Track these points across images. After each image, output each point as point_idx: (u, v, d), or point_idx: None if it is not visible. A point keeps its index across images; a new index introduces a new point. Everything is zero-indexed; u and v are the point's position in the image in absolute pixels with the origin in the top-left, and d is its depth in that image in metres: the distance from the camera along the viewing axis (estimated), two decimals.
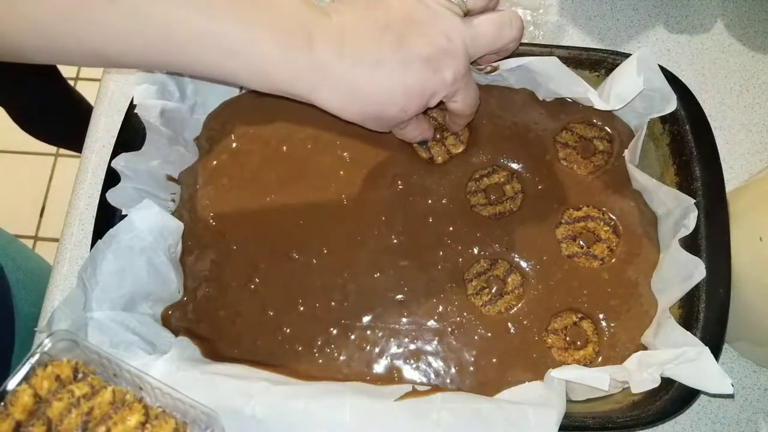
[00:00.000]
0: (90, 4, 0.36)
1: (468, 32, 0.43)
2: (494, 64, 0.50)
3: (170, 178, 0.53)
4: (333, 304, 0.50)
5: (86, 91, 1.68)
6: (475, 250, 0.51)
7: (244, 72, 0.39)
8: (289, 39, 0.38)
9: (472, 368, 0.48)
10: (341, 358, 0.49)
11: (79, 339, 0.41)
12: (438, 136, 0.54)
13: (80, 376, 0.40)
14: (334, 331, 0.49)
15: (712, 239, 0.47)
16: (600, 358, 0.48)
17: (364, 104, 0.41)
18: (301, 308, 0.50)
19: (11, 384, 0.38)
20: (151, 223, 0.47)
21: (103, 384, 0.39)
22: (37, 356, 0.39)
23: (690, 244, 0.47)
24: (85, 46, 0.37)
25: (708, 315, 0.46)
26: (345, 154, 0.54)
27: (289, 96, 0.41)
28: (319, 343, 0.49)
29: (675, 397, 0.44)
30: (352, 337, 0.49)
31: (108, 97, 0.63)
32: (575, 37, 0.63)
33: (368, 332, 0.49)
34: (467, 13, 0.44)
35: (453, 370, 0.48)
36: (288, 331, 0.50)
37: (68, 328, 0.45)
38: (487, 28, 0.44)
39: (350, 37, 0.40)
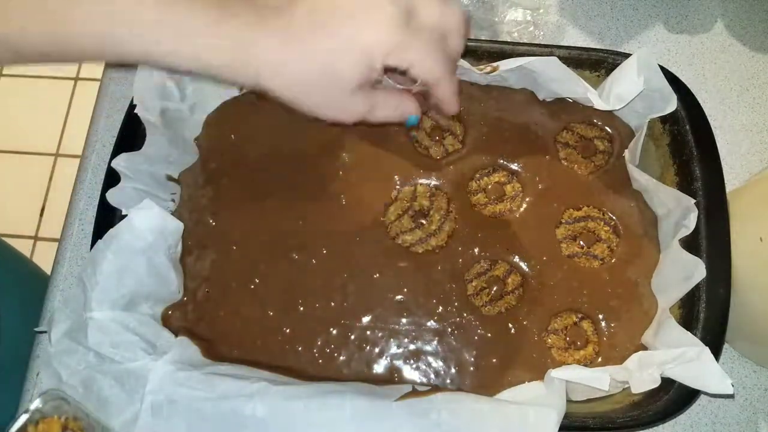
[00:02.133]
0: None
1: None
2: (494, 64, 0.50)
3: (170, 178, 0.53)
4: (333, 304, 0.50)
5: (86, 91, 1.69)
6: (476, 251, 0.51)
7: (161, 52, 0.38)
8: (205, 11, 0.37)
9: (472, 368, 0.48)
10: (341, 358, 0.49)
11: (69, 397, 0.43)
12: (437, 137, 0.54)
13: None
14: (334, 331, 0.49)
15: (712, 239, 0.47)
16: (600, 358, 0.48)
17: (290, 73, 0.39)
18: (301, 308, 0.50)
19: None
20: (151, 223, 0.47)
21: None
22: (28, 414, 0.41)
23: (690, 244, 0.47)
24: None
25: (708, 315, 0.46)
26: (345, 154, 0.54)
27: (214, 75, 0.39)
28: (319, 343, 0.49)
29: (675, 397, 0.44)
30: (352, 337, 0.49)
31: (108, 97, 0.63)
32: (575, 37, 0.63)
33: (368, 332, 0.49)
34: None
35: (453, 370, 0.48)
36: (288, 331, 0.50)
37: (68, 329, 0.45)
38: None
39: None
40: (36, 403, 0.42)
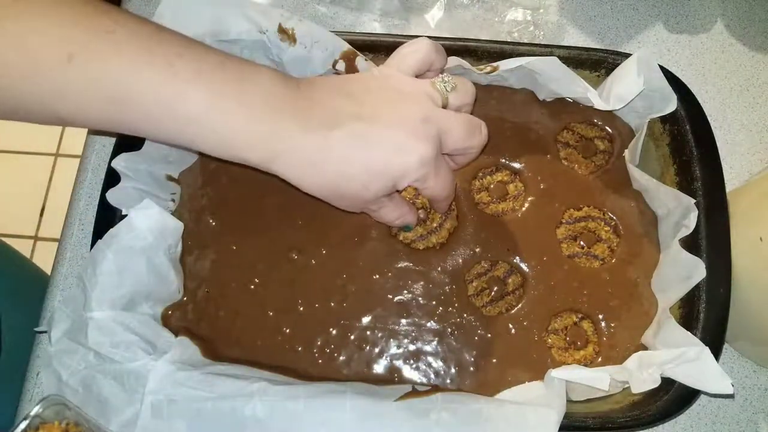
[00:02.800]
0: (47, 65, 0.35)
1: (443, 122, 0.42)
2: (494, 64, 0.50)
3: (170, 178, 0.53)
4: (332, 304, 0.50)
5: None
6: (477, 251, 0.51)
7: (203, 139, 0.39)
8: (251, 109, 0.38)
9: (472, 368, 0.48)
10: (341, 358, 0.49)
11: (69, 402, 0.42)
12: None
13: None
14: (334, 332, 0.49)
15: (712, 239, 0.47)
16: (600, 358, 0.48)
17: (320, 177, 0.41)
18: (301, 308, 0.50)
19: None
20: (151, 223, 0.47)
21: None
22: (28, 420, 0.41)
23: (690, 244, 0.47)
24: (43, 106, 0.37)
25: (708, 315, 0.46)
26: None
27: (248, 164, 0.40)
28: (319, 343, 0.49)
29: (675, 397, 0.44)
30: (352, 337, 0.49)
31: None
32: (575, 37, 0.63)
33: (368, 333, 0.49)
34: (445, 107, 0.44)
35: (453, 370, 0.48)
36: (288, 331, 0.50)
37: (68, 329, 0.45)
38: (460, 125, 0.43)
39: (314, 107, 0.40)
40: (36, 409, 0.41)
